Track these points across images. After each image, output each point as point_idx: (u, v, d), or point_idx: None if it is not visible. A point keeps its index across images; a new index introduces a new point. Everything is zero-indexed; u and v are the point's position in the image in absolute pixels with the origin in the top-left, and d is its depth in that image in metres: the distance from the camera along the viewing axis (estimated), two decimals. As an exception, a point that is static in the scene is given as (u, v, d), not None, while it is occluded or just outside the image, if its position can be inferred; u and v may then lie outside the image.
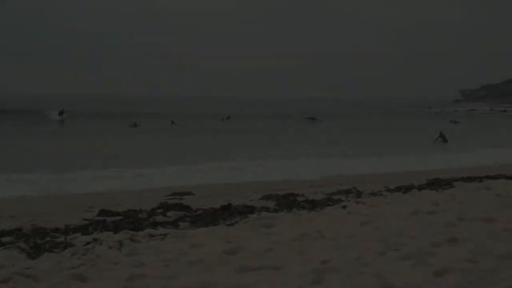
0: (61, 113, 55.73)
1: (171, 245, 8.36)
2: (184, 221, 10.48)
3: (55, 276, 6.80)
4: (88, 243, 8.55)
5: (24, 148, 32.22)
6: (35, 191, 16.99)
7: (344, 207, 11.45)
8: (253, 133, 47.01)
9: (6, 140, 36.39)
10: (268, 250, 7.68)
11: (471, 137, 43.32)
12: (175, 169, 22.67)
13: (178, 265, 7.14)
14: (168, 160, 25.54)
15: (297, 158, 27.79)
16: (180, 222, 10.38)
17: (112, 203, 13.58)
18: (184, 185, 17.42)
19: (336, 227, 9.19)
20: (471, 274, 6.17)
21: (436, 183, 15.16)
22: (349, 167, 23.89)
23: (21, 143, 35.40)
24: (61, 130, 48.65)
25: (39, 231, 9.65)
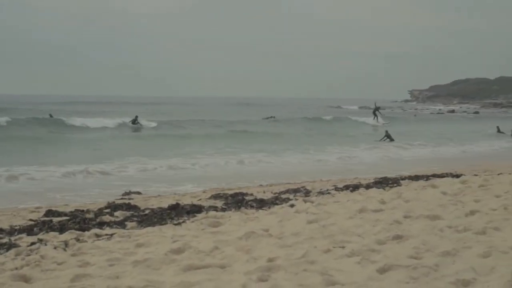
0: (134, 121, 52.53)
1: (117, 244, 8.27)
2: (131, 220, 10.40)
3: (-3, 277, 6.68)
4: (33, 243, 8.42)
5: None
6: None
7: (292, 205, 11.50)
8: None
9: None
10: (215, 248, 7.67)
11: (419, 136, 43.90)
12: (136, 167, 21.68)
13: (123, 265, 7.07)
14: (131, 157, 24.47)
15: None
16: (127, 222, 10.31)
17: (60, 203, 13.43)
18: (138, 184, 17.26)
19: (284, 226, 9.24)
20: (415, 271, 6.24)
21: (384, 182, 15.39)
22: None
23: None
24: (154, 133, 44.36)
25: (-18, 232, 9.48)
